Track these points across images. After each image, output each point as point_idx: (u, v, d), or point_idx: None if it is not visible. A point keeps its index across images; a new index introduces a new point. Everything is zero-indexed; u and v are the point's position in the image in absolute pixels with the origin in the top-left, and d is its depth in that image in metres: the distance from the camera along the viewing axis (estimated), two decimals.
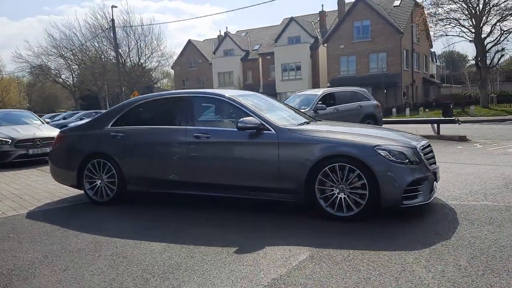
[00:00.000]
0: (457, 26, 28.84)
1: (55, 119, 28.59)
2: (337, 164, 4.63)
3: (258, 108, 5.40)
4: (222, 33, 54.31)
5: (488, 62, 28.99)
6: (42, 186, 7.70)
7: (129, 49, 45.76)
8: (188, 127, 5.42)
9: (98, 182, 5.94)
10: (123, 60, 53.25)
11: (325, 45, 41.08)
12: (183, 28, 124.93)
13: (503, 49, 29.03)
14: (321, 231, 4.43)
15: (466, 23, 28.22)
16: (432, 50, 51.54)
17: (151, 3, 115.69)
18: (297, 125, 5.29)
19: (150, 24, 51.20)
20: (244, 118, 5.02)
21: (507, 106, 28.23)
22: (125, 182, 5.76)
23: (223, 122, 5.76)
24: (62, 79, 53.17)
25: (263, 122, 5.05)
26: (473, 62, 31.15)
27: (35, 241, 4.52)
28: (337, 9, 43.32)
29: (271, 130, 5.00)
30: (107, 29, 42.70)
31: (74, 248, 4.22)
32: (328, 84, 39.64)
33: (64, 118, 27.86)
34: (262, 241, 4.18)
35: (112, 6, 33.80)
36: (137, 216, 5.34)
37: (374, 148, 4.55)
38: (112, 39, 43.06)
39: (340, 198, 4.66)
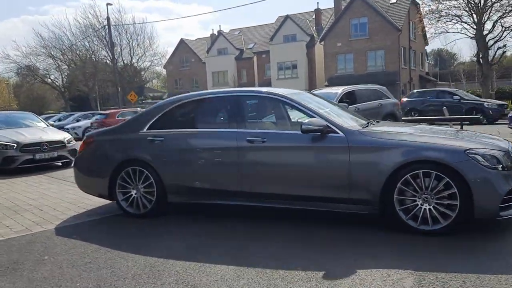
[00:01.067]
0: (458, 22, 28.52)
1: (48, 121, 27.60)
2: (420, 171, 4.07)
3: (320, 108, 4.82)
4: (215, 32, 53.55)
5: (489, 59, 28.73)
6: (59, 195, 7.02)
7: (121, 48, 44.84)
8: (239, 130, 4.82)
9: (133, 192, 5.31)
10: (115, 59, 52.35)
11: (322, 43, 40.60)
12: (170, 28, 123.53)
13: (504, 46, 28.79)
14: (408, 248, 3.87)
15: (468, 20, 27.92)
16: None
17: (138, 3, 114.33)
18: (365, 127, 4.72)
19: (142, 23, 50.34)
20: (310, 120, 4.44)
21: (509, 102, 28.03)
22: (165, 192, 5.13)
23: (280, 124, 5.17)
24: (51, 79, 51.94)
25: (329, 124, 4.47)
26: (467, 59, 30.93)
27: (77, 265, 3.89)
28: (333, 6, 42.84)
29: (338, 133, 4.43)
30: (99, 28, 41.79)
31: (127, 274, 3.60)
32: (326, 83, 39.18)
33: (59, 120, 26.93)
34: (348, 261, 3.61)
35: (107, 4, 32.86)
36: (185, 231, 4.72)
37: (466, 152, 4.00)
38: (103, 38, 42.18)
39: (424, 209, 4.10)
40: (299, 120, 4.80)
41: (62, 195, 6.98)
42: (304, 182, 4.53)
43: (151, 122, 5.32)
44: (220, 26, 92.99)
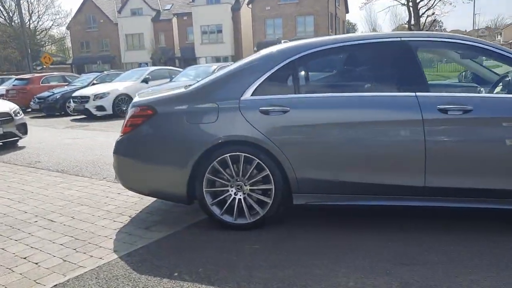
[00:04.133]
0: None
1: None
2: None
3: None
4: None
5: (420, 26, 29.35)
6: (57, 194, 4.79)
7: (16, 4, 38.76)
8: (421, 94, 3.17)
9: (232, 191, 3.43)
10: (9, 18, 45.48)
11: (250, 6, 38.72)
12: None
13: (433, 14, 29.60)
14: None
15: None
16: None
17: None
18: None
19: None
20: None
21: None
22: (289, 190, 3.34)
23: (484, 86, 3.57)
24: None
25: None
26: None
27: None
28: None
29: None
30: None
31: None
32: (255, 48, 37.64)
33: None
34: None
35: None
36: (361, 252, 3.01)
37: None
38: None
39: None
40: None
41: (63, 195, 4.76)
42: None
43: (258, 84, 3.41)
44: None
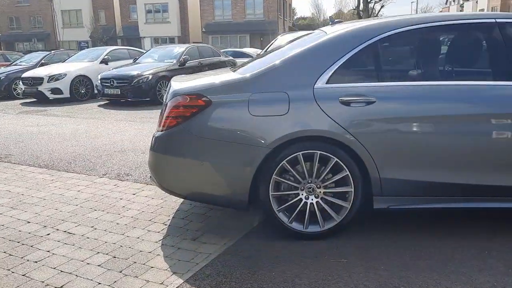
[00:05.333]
0: None
1: None
2: None
3: None
4: None
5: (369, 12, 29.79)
6: (62, 195, 4.06)
7: None
8: None
9: (303, 195, 2.95)
10: None
11: None
12: None
13: (380, 0, 30.09)
14: None
15: None
16: None
17: None
18: None
19: None
20: None
21: None
22: (371, 192, 2.92)
23: None
24: None
25: None
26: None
27: None
28: None
29: None
30: None
31: None
32: (203, 30, 36.53)
33: None
34: None
35: None
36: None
37: None
38: None
39: None
40: None
41: (65, 198, 4.02)
42: None
43: (333, 70, 2.92)
44: None
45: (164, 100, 3.32)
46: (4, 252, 2.92)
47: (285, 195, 2.96)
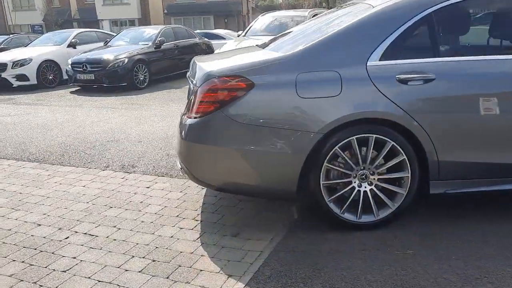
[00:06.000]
0: None
1: None
2: None
3: None
4: None
5: None
6: (67, 191, 3.66)
7: None
8: None
9: (355, 183, 2.72)
10: None
11: None
12: None
13: None
14: None
15: None
16: None
17: None
18: None
19: None
20: None
21: None
22: (427, 177, 2.73)
23: None
24: None
25: None
26: None
27: None
28: None
29: None
30: None
31: None
32: (165, 11, 35.40)
33: None
34: None
35: None
36: None
37: None
38: None
39: None
40: None
41: (71, 195, 3.63)
42: None
43: (386, 45, 2.67)
44: None
45: (192, 83, 2.99)
46: (23, 261, 2.54)
47: (337, 183, 2.72)
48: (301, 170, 2.63)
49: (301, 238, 2.73)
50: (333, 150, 2.62)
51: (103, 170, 4.19)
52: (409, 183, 2.70)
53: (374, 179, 2.72)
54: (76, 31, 12.35)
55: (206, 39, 13.01)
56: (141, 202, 3.38)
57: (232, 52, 3.77)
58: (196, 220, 3.04)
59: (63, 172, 4.16)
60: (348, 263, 2.41)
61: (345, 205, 2.72)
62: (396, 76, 2.59)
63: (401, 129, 2.62)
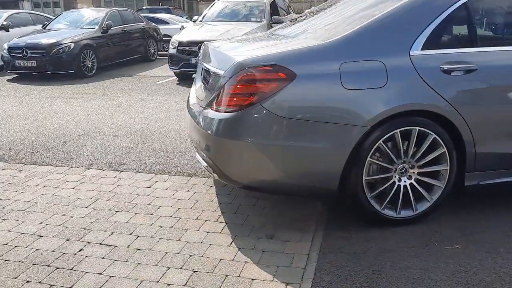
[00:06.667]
0: None
1: None
2: None
3: None
4: None
5: None
6: (57, 195, 3.24)
7: None
8: None
9: (395, 177, 2.63)
10: None
11: None
12: None
13: None
14: None
15: None
16: None
17: None
18: None
19: None
20: None
21: None
22: (464, 169, 2.70)
23: None
24: None
25: None
26: None
27: None
28: None
29: None
30: None
31: None
32: None
33: None
34: None
35: None
36: None
37: None
38: None
39: None
40: None
41: (63, 199, 3.22)
42: None
43: (428, 33, 2.58)
44: None
45: (208, 72, 2.72)
46: (39, 282, 2.17)
47: (378, 179, 2.61)
48: (344, 166, 2.48)
49: (343, 238, 2.60)
50: (377, 144, 2.50)
51: (88, 169, 3.77)
52: (447, 175, 2.65)
53: (413, 172, 2.64)
54: (7, 12, 11.19)
55: (153, 24, 12.37)
56: (149, 204, 3.06)
57: (249, 39, 3.50)
58: (221, 222, 2.79)
59: (42, 173, 3.69)
60: (406, 263, 2.32)
61: (386, 201, 2.62)
62: (441, 66, 2.51)
63: (442, 120, 2.55)
